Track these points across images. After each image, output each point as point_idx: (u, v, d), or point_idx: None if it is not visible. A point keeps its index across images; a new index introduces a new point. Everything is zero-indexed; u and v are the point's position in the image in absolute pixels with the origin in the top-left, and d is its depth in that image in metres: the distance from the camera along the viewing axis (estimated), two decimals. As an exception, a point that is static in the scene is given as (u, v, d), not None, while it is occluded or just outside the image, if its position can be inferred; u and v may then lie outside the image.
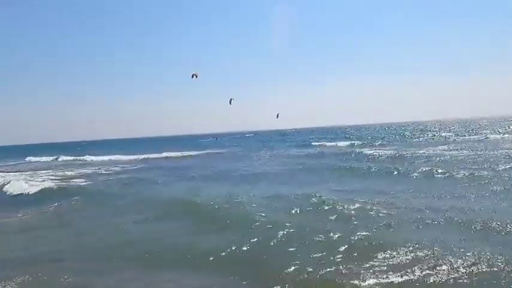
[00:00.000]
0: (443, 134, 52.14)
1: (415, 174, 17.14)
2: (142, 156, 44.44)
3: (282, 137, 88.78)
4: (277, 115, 22.97)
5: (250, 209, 11.81)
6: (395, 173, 18.08)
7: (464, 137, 42.73)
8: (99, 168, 31.69)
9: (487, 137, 38.92)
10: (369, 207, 11.10)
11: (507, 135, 39.76)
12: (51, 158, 52.33)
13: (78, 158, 48.72)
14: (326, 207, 11.34)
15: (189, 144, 74.01)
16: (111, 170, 29.65)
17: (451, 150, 27.83)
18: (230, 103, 18.70)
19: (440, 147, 30.71)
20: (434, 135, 50.01)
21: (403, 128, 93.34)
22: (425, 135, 51.06)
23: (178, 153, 46.27)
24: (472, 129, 60.14)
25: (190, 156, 42.80)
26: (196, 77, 16.56)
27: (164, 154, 45.89)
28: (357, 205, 11.32)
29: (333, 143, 47.03)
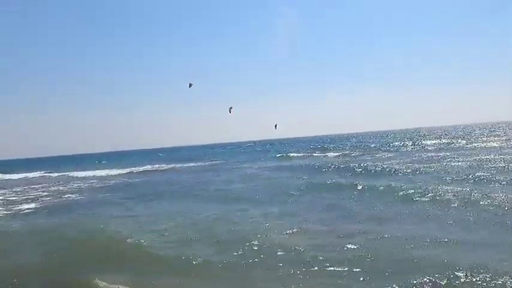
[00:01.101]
0: (425, 141, 50.75)
1: (379, 189, 15.78)
2: (127, 170, 43.55)
3: (276, 146, 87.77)
4: (276, 126, 22.46)
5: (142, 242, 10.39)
6: (355, 188, 16.68)
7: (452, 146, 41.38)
8: (58, 183, 30.41)
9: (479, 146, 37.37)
10: (286, 236, 9.74)
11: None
12: (30, 174, 51.11)
13: (48, 174, 48.35)
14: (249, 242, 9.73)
15: (182, 156, 74.57)
16: (71, 189, 27.92)
17: (423, 162, 26.43)
18: (230, 112, 18.48)
19: (422, 155, 29.59)
20: (415, 143, 49.34)
21: (394, 136, 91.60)
22: (413, 143, 49.95)
23: (162, 166, 46.95)
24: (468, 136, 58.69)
25: (172, 169, 42.58)
26: (190, 86, 16.52)
27: (137, 168, 45.89)
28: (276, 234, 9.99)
29: (321, 154, 45.57)
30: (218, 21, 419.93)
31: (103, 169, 47.09)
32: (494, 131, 71.49)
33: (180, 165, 47.08)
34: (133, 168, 45.64)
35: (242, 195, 18.45)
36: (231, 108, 18.28)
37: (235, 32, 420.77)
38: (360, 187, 16.88)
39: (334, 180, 19.85)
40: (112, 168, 48.05)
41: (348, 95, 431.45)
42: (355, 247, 8.58)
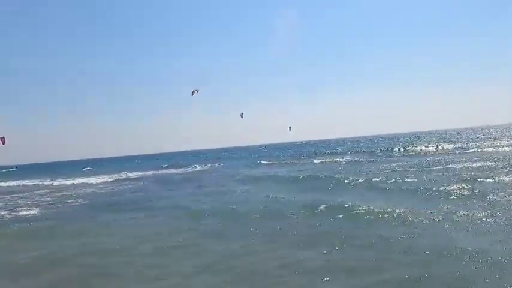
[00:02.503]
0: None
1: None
2: (115, 177, 41.36)
3: (271, 150, 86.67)
4: (290, 128, 23.78)
5: None
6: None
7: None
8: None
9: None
10: None
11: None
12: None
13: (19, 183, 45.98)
14: None
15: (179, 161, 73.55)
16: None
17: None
18: (241, 117, 19.50)
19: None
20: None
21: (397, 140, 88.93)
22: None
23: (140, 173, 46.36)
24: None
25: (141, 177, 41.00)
26: (197, 92, 16.77)
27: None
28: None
29: (310, 160, 44.04)
30: (218, 21, 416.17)
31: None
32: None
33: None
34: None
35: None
36: (242, 113, 19.49)
37: (235, 32, 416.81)
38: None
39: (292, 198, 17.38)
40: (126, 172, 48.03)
41: (348, 94, 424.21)
42: None
